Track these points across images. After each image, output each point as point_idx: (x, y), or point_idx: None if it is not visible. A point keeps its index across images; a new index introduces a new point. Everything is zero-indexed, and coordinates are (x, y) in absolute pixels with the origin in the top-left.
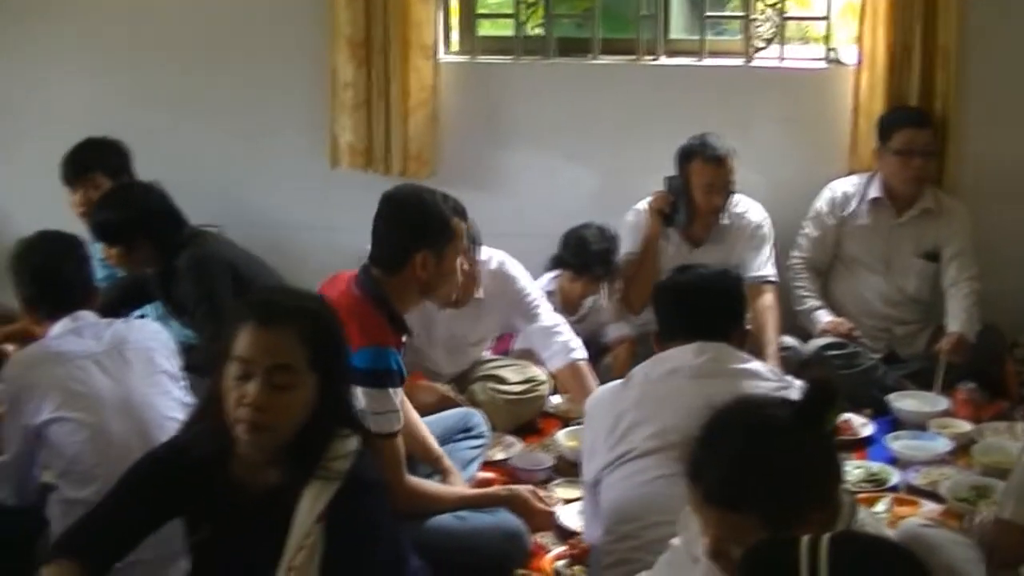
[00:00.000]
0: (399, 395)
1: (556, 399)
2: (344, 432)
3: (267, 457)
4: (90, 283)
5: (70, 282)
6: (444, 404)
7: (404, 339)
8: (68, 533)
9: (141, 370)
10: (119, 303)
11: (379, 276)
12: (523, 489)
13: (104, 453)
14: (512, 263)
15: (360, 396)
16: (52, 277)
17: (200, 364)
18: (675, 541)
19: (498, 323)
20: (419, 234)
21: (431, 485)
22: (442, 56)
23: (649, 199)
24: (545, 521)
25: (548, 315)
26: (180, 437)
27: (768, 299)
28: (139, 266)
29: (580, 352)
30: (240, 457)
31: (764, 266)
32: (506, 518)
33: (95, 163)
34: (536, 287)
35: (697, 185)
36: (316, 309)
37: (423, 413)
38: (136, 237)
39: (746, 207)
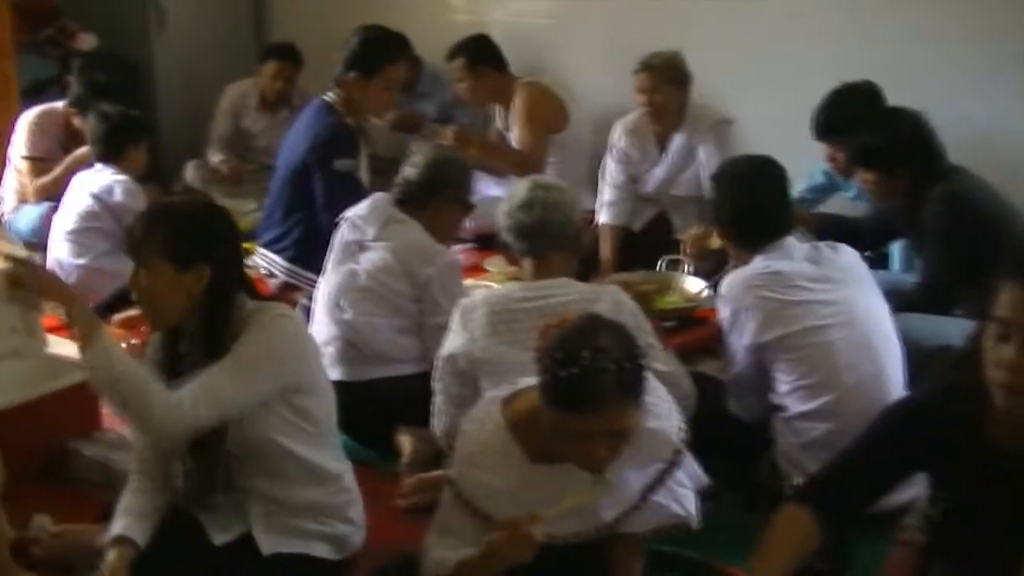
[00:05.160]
0: None
1: None
2: None
3: None
4: (789, 211)
5: (772, 214)
6: None
7: None
8: (812, 481)
9: (860, 289)
10: (870, 238)
11: None
12: None
13: (831, 367)
14: None
15: None
16: (755, 211)
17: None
18: None
19: None
20: None
21: None
22: None
23: None
24: None
25: None
26: (934, 390)
27: None
28: (891, 195)
29: None
30: (997, 418)
31: None
32: None
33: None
34: None
35: None
36: None
37: None
38: (895, 164)
39: None
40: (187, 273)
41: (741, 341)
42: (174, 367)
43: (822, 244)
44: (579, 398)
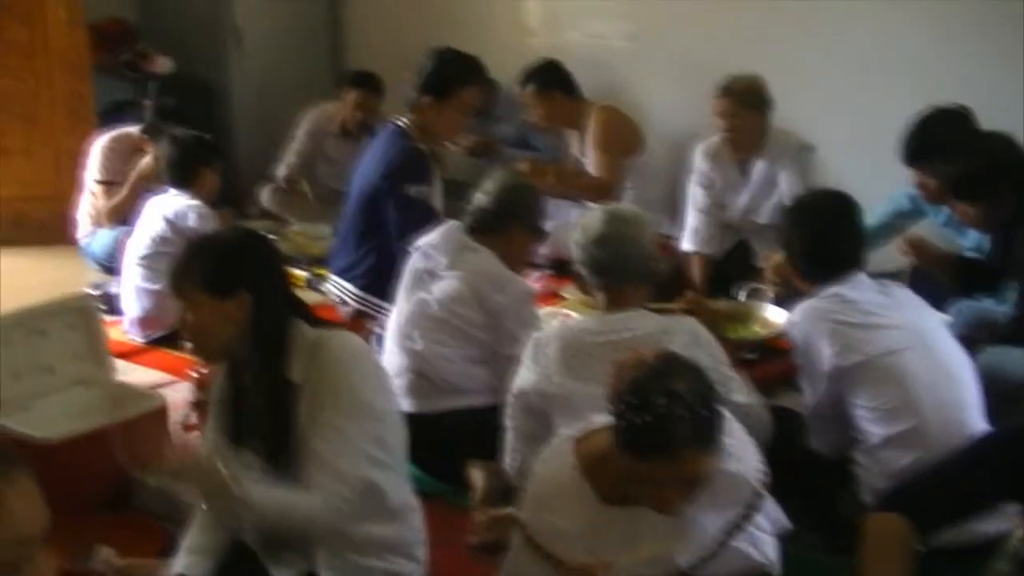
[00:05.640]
0: None
1: None
2: None
3: None
4: (861, 244)
5: (844, 249)
6: None
7: None
8: (904, 488)
9: (927, 318)
10: (968, 281)
11: None
12: None
13: (910, 390)
14: None
15: None
16: (823, 244)
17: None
18: None
19: None
20: None
21: None
22: None
23: None
24: None
25: None
26: None
27: None
28: (993, 225)
29: None
30: None
31: None
32: None
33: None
34: None
35: None
36: None
37: None
38: (1000, 188)
39: None
40: (228, 302)
41: (817, 369)
42: (239, 401)
43: (887, 281)
44: (652, 446)
